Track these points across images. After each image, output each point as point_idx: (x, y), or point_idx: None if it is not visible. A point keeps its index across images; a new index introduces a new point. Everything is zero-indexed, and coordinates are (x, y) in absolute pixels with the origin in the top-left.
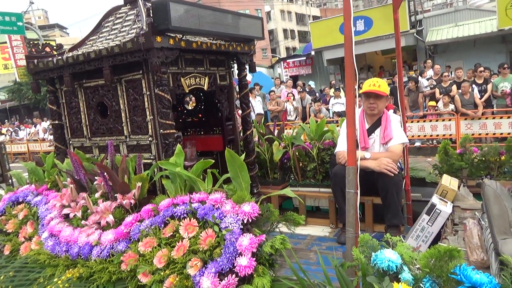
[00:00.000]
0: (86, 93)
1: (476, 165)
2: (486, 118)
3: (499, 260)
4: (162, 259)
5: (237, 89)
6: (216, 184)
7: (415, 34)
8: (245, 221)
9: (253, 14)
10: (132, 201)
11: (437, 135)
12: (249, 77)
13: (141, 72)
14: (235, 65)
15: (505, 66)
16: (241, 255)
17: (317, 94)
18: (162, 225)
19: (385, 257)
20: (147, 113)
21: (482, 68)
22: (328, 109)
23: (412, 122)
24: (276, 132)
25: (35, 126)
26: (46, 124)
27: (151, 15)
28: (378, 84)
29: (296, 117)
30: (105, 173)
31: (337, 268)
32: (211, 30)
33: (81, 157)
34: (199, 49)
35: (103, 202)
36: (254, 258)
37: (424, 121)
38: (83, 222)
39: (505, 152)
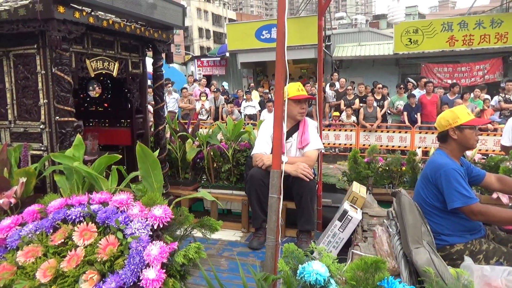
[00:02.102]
0: None
1: (380, 174)
2: (382, 131)
3: (409, 268)
4: (47, 272)
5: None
6: (122, 183)
7: (324, 48)
8: (155, 227)
9: None
10: (13, 200)
11: (339, 144)
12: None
13: (35, 46)
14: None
15: (401, 86)
16: (149, 267)
17: (229, 96)
18: (51, 230)
19: (313, 270)
20: (41, 95)
21: (380, 85)
22: (240, 112)
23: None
24: (190, 129)
25: None
26: None
27: None
28: (301, 88)
29: (208, 117)
30: None
31: (260, 281)
32: (125, 9)
33: None
34: (110, 28)
35: None
36: (164, 270)
37: (329, 130)
38: None
39: (406, 163)
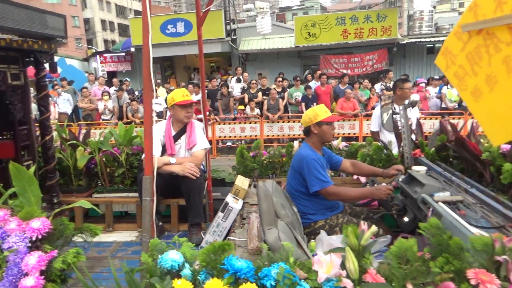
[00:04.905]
0: None
1: (265, 166)
2: (283, 122)
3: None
4: None
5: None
6: (0, 199)
7: (230, 42)
8: (34, 238)
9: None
10: None
11: (245, 136)
12: (58, 69)
13: None
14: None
15: (298, 78)
16: (28, 275)
17: (136, 93)
18: None
19: (168, 258)
20: None
21: (280, 78)
22: None
23: (224, 124)
24: (81, 136)
25: None
26: None
27: None
28: (186, 94)
29: (112, 116)
30: None
31: (128, 273)
32: None
33: None
34: None
35: None
36: (43, 276)
37: (235, 123)
38: None
39: (286, 154)
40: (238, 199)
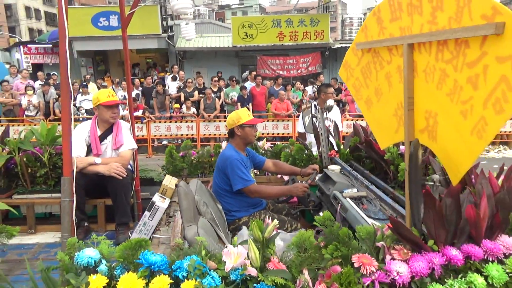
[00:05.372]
0: None
1: (194, 165)
2: (220, 121)
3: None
4: None
5: None
6: None
7: (166, 38)
8: None
9: None
10: None
11: (182, 135)
12: None
13: None
14: None
15: (234, 78)
16: None
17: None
18: None
19: (85, 255)
20: None
21: (216, 78)
22: (76, 106)
23: (160, 122)
24: None
25: None
26: None
27: None
28: (112, 94)
29: (37, 112)
30: None
31: (44, 271)
32: None
33: None
34: None
35: None
36: None
37: (171, 122)
38: None
39: (214, 154)
40: (165, 198)
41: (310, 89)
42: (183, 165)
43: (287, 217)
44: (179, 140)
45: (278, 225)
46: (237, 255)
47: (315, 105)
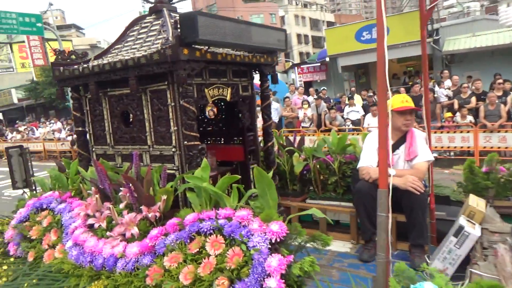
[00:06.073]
0: (110, 101)
1: (502, 185)
2: (506, 131)
3: None
4: (188, 276)
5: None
6: (242, 199)
7: (431, 43)
8: (273, 241)
9: (268, 18)
10: (157, 214)
11: (455, 147)
12: None
13: (166, 83)
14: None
15: None
16: (270, 276)
17: (331, 101)
18: (188, 241)
19: None
20: (171, 123)
21: (501, 80)
22: (343, 117)
23: (433, 133)
24: (296, 143)
25: (50, 124)
26: (59, 124)
27: (178, 27)
28: (406, 100)
29: (311, 124)
30: (131, 185)
31: None
32: (235, 42)
33: (105, 166)
34: (223, 61)
35: (128, 213)
36: (283, 280)
37: (442, 132)
38: (108, 233)
39: None
40: (474, 224)
41: None
42: (488, 184)
43: None
44: (452, 153)
45: None
46: None
47: None
